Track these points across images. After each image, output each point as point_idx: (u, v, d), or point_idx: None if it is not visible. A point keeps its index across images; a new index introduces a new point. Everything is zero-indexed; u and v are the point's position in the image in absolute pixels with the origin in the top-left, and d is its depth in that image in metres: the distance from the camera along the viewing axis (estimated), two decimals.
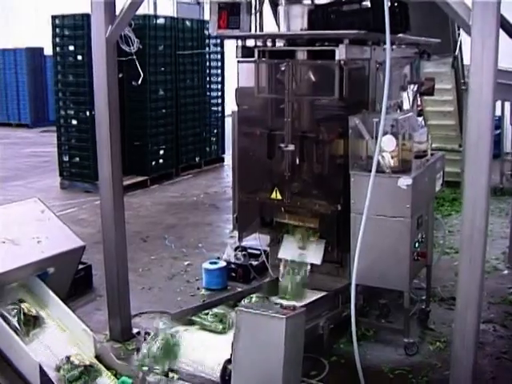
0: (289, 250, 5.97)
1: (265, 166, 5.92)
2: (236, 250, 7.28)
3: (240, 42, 6.01)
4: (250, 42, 6.05)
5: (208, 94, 14.54)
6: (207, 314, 5.05)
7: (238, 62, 5.97)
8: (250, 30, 5.99)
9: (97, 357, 4.72)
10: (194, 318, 5.08)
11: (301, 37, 5.80)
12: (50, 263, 4.99)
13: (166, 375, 4.58)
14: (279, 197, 5.80)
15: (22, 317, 4.71)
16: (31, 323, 4.80)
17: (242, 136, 6.05)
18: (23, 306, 4.78)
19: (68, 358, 4.65)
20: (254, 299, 5.25)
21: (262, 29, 6.36)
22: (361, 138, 5.34)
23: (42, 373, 4.28)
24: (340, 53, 5.40)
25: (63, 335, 4.85)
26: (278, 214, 5.96)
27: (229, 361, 4.26)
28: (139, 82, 6.13)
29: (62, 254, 5.04)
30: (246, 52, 6.00)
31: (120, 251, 5.68)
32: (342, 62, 5.41)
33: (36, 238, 4.99)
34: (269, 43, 6.01)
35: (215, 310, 5.12)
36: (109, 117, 5.44)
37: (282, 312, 3.99)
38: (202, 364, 4.46)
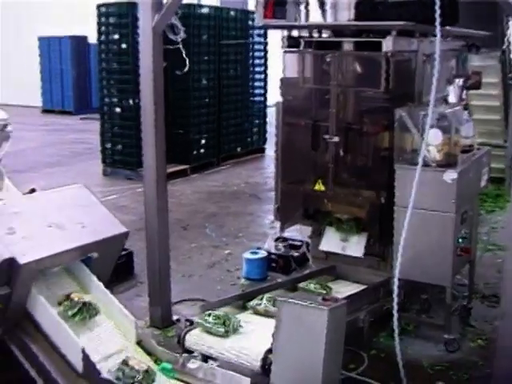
0: (331, 242, 5.97)
1: (308, 156, 5.91)
2: (277, 240, 7.27)
3: (286, 33, 5.99)
4: (296, 33, 6.04)
5: (250, 84, 14.54)
6: (209, 315, 4.91)
7: (284, 52, 5.96)
8: (296, 21, 5.97)
9: (138, 342, 4.76)
10: (196, 319, 4.97)
11: (348, 28, 5.76)
12: (93, 248, 5.01)
13: (206, 362, 4.60)
14: (322, 188, 5.80)
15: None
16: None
17: (285, 126, 6.04)
18: None
19: (68, 295, 4.76)
20: (264, 299, 5.14)
21: (307, 19, 6.33)
22: (406, 131, 5.30)
23: (85, 357, 4.33)
24: (387, 44, 5.38)
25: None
26: (321, 205, 5.94)
27: (269, 350, 4.26)
28: (185, 70, 6.14)
29: (106, 239, 5.05)
30: (292, 42, 5.99)
31: (162, 238, 5.72)
32: (389, 54, 5.39)
33: (80, 223, 5.01)
34: (314, 34, 5.98)
35: (218, 312, 5.00)
36: (154, 105, 5.46)
37: (324, 303, 3.98)
38: (242, 352, 4.46)
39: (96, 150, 13.37)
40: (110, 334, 4.84)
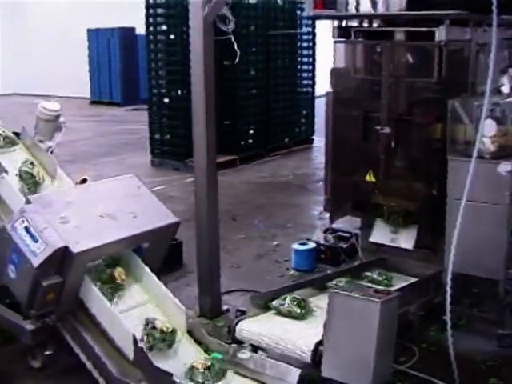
0: (381, 234, 5.91)
1: (359, 147, 5.88)
2: (326, 231, 7.24)
3: (336, 23, 5.94)
4: (347, 23, 5.99)
5: (298, 74, 14.47)
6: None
7: (335, 42, 5.92)
8: (347, 11, 5.92)
9: (188, 332, 4.78)
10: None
11: (399, 17, 5.69)
12: (145, 238, 5.06)
13: (256, 352, 4.60)
14: (373, 180, 5.75)
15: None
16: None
17: (336, 117, 6.00)
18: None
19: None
20: (288, 300, 4.96)
21: (357, 9, 6.26)
22: (459, 122, 5.22)
23: (136, 345, 4.37)
24: (440, 34, 5.30)
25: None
26: (372, 197, 5.89)
27: (320, 342, 4.25)
28: (236, 61, 6.15)
29: (157, 229, 5.09)
30: (343, 32, 5.94)
31: (212, 228, 5.74)
32: (442, 44, 5.31)
33: (132, 213, 5.05)
34: (365, 24, 5.93)
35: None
36: (205, 95, 5.48)
37: (376, 295, 3.95)
38: (293, 344, 4.45)
39: (143, 141, 13.46)
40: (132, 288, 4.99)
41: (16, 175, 5.52)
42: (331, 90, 6.05)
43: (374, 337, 3.89)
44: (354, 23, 5.98)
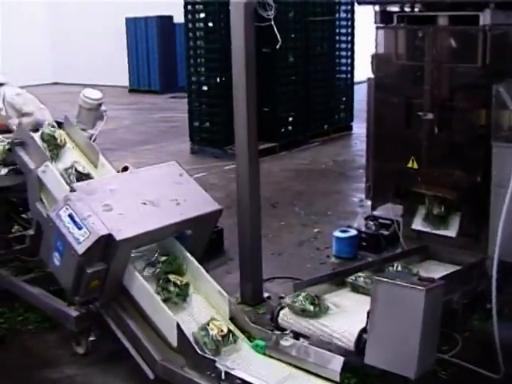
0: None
1: (401, 134, 5.81)
2: (367, 219, 7.20)
3: (378, 8, 5.88)
4: (389, 8, 5.92)
5: (337, 60, 14.36)
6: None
7: (377, 28, 5.86)
8: None
9: (231, 319, 4.80)
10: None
11: (443, 1, 5.61)
12: (188, 225, 5.08)
13: (298, 339, 4.60)
14: (416, 166, 5.69)
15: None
16: None
17: (378, 103, 5.95)
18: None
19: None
20: (301, 297, 4.76)
21: None
22: (504, 107, 5.14)
23: (180, 332, 4.40)
24: (484, 18, 5.22)
25: None
26: (414, 184, 5.83)
27: (364, 330, 4.23)
28: (277, 47, 6.14)
29: (200, 216, 5.09)
30: (384, 18, 5.88)
31: (254, 215, 5.75)
32: (487, 28, 5.22)
33: (175, 200, 5.06)
34: (407, 8, 5.86)
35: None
36: (246, 82, 5.46)
37: (421, 283, 3.92)
38: (336, 331, 4.44)
39: (182, 129, 13.51)
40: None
41: (38, 137, 5.62)
42: (373, 75, 6.00)
43: (419, 325, 3.87)
44: (396, 8, 5.90)
